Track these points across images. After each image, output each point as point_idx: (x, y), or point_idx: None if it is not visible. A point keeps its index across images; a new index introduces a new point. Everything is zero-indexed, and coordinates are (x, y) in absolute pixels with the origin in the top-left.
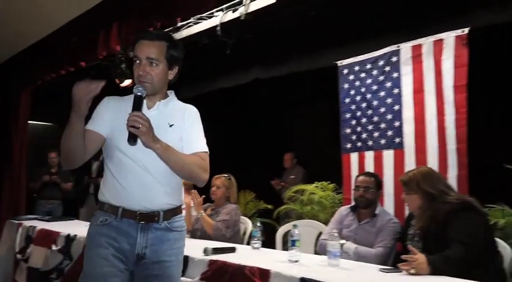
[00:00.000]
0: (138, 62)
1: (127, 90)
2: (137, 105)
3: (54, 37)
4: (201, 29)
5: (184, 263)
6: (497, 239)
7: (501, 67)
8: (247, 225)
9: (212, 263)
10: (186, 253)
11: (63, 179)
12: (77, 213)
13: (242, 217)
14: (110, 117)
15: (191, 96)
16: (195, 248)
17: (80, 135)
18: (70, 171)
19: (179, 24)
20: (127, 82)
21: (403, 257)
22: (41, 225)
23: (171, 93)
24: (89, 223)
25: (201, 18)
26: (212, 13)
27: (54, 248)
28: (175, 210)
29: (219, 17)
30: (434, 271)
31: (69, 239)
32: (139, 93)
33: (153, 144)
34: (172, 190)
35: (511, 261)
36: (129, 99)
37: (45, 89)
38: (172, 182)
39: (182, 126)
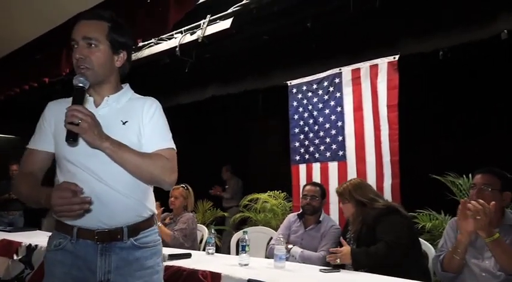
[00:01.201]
0: (75, 46)
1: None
2: (77, 98)
3: (18, 54)
4: (162, 49)
5: None
6: (422, 240)
7: (427, 89)
8: (204, 232)
9: (168, 268)
10: None
11: None
12: (39, 224)
13: (199, 225)
14: (51, 126)
15: None
16: None
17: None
18: None
19: (141, 44)
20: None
21: (331, 249)
22: (2, 235)
23: (126, 86)
24: (51, 233)
25: (162, 39)
26: (172, 35)
27: (15, 257)
28: (145, 224)
29: (178, 39)
30: (356, 262)
31: (31, 249)
32: (80, 84)
33: (100, 142)
34: (137, 200)
35: (433, 260)
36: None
37: (8, 103)
38: (137, 190)
39: (139, 122)
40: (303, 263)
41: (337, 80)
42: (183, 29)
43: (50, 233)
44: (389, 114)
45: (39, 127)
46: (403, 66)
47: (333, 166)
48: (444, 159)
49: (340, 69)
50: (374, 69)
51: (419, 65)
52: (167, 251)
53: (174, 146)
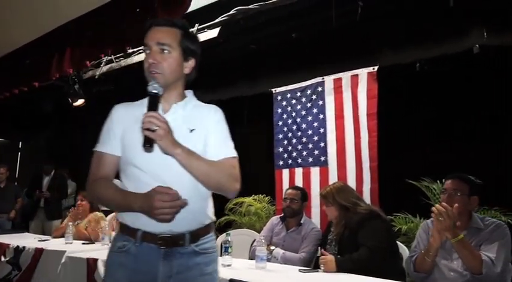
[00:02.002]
0: (148, 51)
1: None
2: (153, 105)
3: (9, 58)
4: None
5: None
6: (398, 242)
7: (405, 99)
8: None
9: None
10: None
11: (13, 194)
12: (27, 226)
13: None
14: (120, 130)
15: None
16: None
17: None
18: (19, 186)
19: (130, 50)
20: (80, 102)
21: (321, 258)
22: None
23: (190, 93)
24: (38, 236)
25: None
26: None
27: (3, 259)
28: (205, 230)
29: None
30: (341, 270)
31: (18, 251)
32: (154, 91)
33: (173, 149)
34: (199, 208)
35: (406, 261)
36: (140, 105)
37: None
38: (199, 198)
39: (205, 130)
40: (285, 264)
41: (319, 89)
42: None
43: (37, 235)
44: (369, 122)
45: (107, 130)
46: (382, 76)
47: (314, 171)
48: (420, 165)
49: (322, 78)
50: (355, 79)
51: (397, 75)
52: None
53: (236, 154)
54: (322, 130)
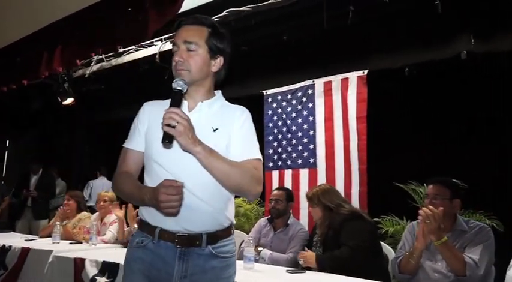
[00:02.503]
0: (176, 49)
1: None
2: (175, 102)
3: None
4: (142, 56)
5: (114, 270)
6: (383, 244)
7: (394, 103)
8: None
9: None
10: (117, 261)
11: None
12: (13, 226)
13: None
14: (145, 127)
15: (128, 117)
16: None
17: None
18: (6, 185)
19: (121, 50)
20: (69, 100)
21: (299, 253)
22: None
23: (218, 93)
24: (25, 235)
25: (142, 46)
26: (152, 42)
27: None
28: (224, 232)
29: (158, 46)
30: (321, 266)
31: (4, 250)
32: (178, 88)
33: (193, 146)
34: (218, 209)
35: (392, 263)
36: (168, 103)
37: None
38: (219, 198)
39: (229, 130)
40: (272, 264)
41: (310, 91)
42: (163, 37)
43: (23, 235)
44: (358, 125)
45: (134, 127)
46: (371, 80)
47: (303, 173)
48: (407, 168)
49: (313, 81)
50: (345, 82)
51: (387, 80)
52: None
53: (261, 157)
54: (311, 132)
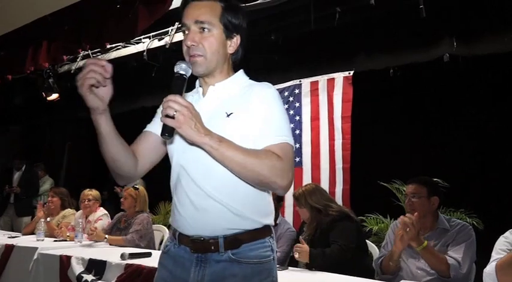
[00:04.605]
0: (186, 31)
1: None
2: (177, 88)
3: None
4: (130, 53)
5: (101, 267)
6: (368, 242)
7: (378, 103)
8: (165, 232)
9: (128, 266)
10: (104, 258)
11: None
12: None
13: (160, 225)
14: None
15: (113, 113)
16: (114, 254)
17: (111, 140)
18: None
19: (109, 46)
20: (54, 96)
21: (295, 246)
22: None
23: (238, 73)
24: (7, 232)
25: (129, 43)
26: (140, 39)
27: None
28: (247, 235)
29: (146, 44)
30: (313, 261)
31: None
32: (181, 72)
33: (198, 137)
34: (236, 209)
35: (374, 263)
36: (194, 93)
37: None
38: (239, 196)
39: (246, 113)
40: None
41: (296, 91)
42: (151, 34)
43: (6, 232)
44: (343, 125)
45: (156, 113)
46: (357, 81)
47: None
48: (391, 167)
49: (300, 81)
50: (331, 82)
51: (372, 80)
52: (128, 250)
53: (289, 140)
54: (297, 131)
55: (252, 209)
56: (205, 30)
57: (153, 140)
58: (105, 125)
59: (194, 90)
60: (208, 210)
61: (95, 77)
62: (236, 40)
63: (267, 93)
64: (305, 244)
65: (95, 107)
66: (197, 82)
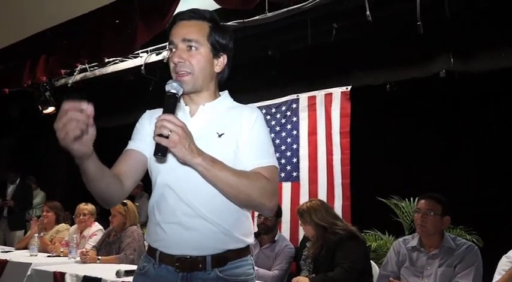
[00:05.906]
0: (173, 49)
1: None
2: (169, 107)
3: None
4: (127, 67)
5: None
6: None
7: (376, 118)
8: None
9: None
10: (99, 276)
11: None
12: None
13: None
14: (149, 131)
15: (109, 126)
16: (109, 271)
17: (99, 178)
18: None
19: (106, 60)
20: (50, 109)
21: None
22: None
23: (224, 93)
24: (1, 246)
25: (127, 57)
26: (138, 53)
27: None
28: (233, 254)
29: (144, 58)
30: None
31: None
32: (173, 91)
33: (191, 157)
34: (225, 229)
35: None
36: (178, 112)
37: None
38: (226, 217)
39: (237, 134)
40: (257, 281)
41: (294, 105)
42: (148, 48)
43: None
44: (342, 140)
45: (135, 131)
46: (355, 96)
47: (286, 186)
48: (390, 183)
49: (297, 96)
50: (328, 97)
51: (369, 96)
52: (124, 267)
53: (276, 163)
54: (295, 146)
55: (239, 228)
56: (193, 48)
57: (138, 158)
58: (93, 168)
59: (179, 108)
60: (198, 230)
61: (79, 127)
62: (223, 59)
63: (256, 118)
64: (300, 278)
65: (82, 154)
66: (181, 100)
